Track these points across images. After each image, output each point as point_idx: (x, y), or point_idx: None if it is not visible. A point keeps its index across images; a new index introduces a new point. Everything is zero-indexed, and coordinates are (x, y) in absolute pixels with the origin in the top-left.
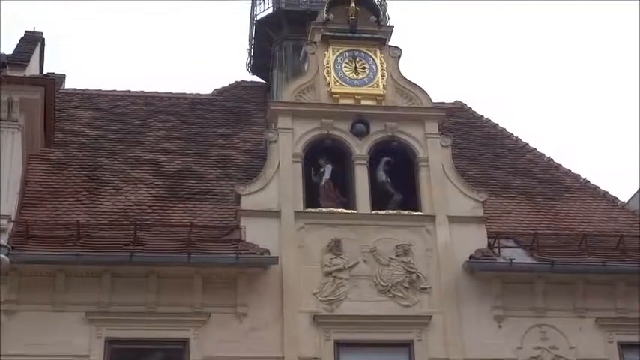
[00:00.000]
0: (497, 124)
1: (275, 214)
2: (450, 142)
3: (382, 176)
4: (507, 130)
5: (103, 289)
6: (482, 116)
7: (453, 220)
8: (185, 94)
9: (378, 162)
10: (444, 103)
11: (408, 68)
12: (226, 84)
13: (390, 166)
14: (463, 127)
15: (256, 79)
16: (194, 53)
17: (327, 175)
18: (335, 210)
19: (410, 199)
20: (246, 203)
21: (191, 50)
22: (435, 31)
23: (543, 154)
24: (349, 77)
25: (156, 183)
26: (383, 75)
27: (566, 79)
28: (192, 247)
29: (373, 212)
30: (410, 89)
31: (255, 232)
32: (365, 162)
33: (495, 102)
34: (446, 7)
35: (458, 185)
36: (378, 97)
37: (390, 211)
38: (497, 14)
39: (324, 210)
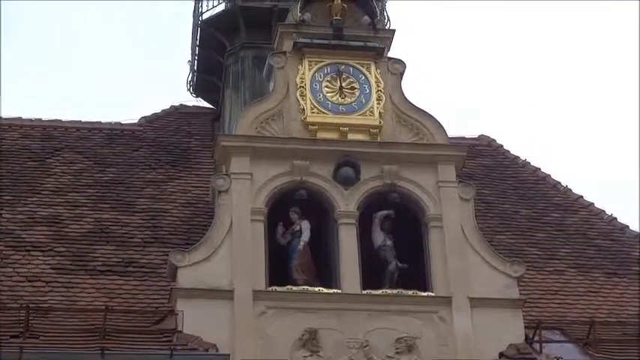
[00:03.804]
0: (540, 169)
1: (226, 295)
2: (473, 193)
3: (379, 239)
4: (553, 176)
5: None
6: (517, 157)
7: (476, 303)
8: (100, 123)
9: (370, 221)
10: (464, 138)
11: (414, 90)
12: (158, 109)
13: (391, 224)
14: (492, 172)
15: (201, 103)
16: (114, 67)
17: (305, 237)
18: (310, 289)
19: (416, 274)
20: (186, 279)
21: (110, 63)
22: (453, 38)
23: (603, 211)
24: (332, 102)
25: (57, 249)
26: (379, 99)
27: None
28: (108, 341)
29: (364, 292)
30: (417, 119)
31: (198, 320)
32: (353, 221)
33: (535, 137)
34: (463, 7)
35: (483, 254)
36: (372, 130)
37: (389, 291)
38: (534, 17)
39: (294, 289)
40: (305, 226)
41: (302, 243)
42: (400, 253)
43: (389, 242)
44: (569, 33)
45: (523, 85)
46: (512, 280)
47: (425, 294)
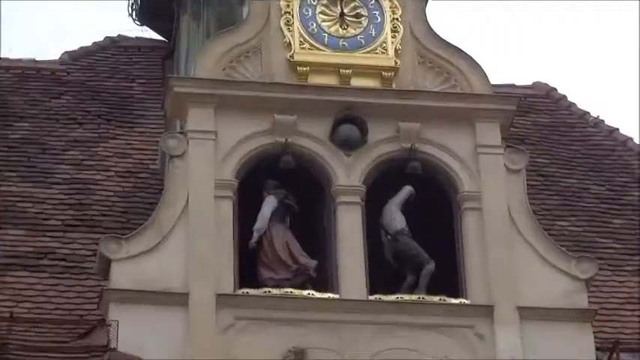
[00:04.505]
0: (618, 129)
1: (178, 300)
2: (525, 162)
3: (398, 223)
4: (637, 140)
5: None
6: (586, 113)
7: (528, 314)
8: (8, 61)
9: (380, 200)
10: (513, 85)
11: (445, 23)
12: (88, 42)
13: (409, 205)
14: (551, 133)
15: (148, 33)
16: None
17: (260, 223)
18: (296, 292)
19: (444, 275)
20: (122, 277)
21: None
22: None
23: None
24: (330, 34)
25: None
26: (395, 30)
27: None
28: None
29: (372, 298)
30: (448, 59)
31: (139, 334)
32: (358, 199)
33: (611, 86)
34: None
35: (538, 247)
36: (384, 74)
37: (407, 297)
38: None
39: (274, 293)
40: (267, 205)
41: (255, 234)
42: (422, 245)
43: (407, 230)
44: None
45: (593, 17)
46: (580, 284)
47: (456, 301)
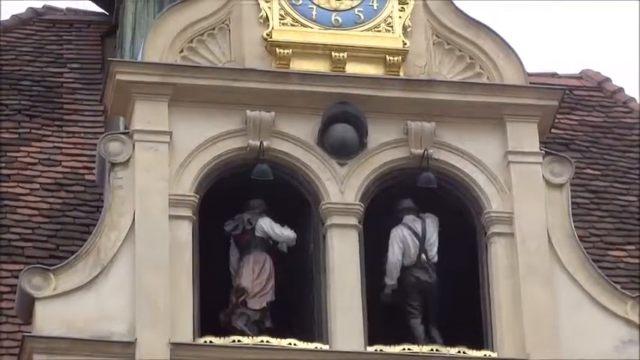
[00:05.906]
0: None
1: (122, 350)
2: (570, 174)
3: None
4: None
5: None
6: None
7: None
8: None
9: (382, 221)
10: (555, 74)
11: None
12: (6, 16)
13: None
14: (603, 136)
15: (83, 4)
16: None
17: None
18: (276, 342)
19: (465, 320)
20: (49, 321)
21: None
22: None
23: None
24: (319, 6)
25: None
26: (404, 3)
27: None
28: None
29: (372, 350)
30: (471, 39)
31: None
32: (354, 222)
33: None
34: None
35: (586, 285)
36: (390, 58)
37: (415, 348)
38: None
39: (246, 341)
40: (232, 251)
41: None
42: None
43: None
44: None
45: None
46: (638, 332)
47: (480, 354)
